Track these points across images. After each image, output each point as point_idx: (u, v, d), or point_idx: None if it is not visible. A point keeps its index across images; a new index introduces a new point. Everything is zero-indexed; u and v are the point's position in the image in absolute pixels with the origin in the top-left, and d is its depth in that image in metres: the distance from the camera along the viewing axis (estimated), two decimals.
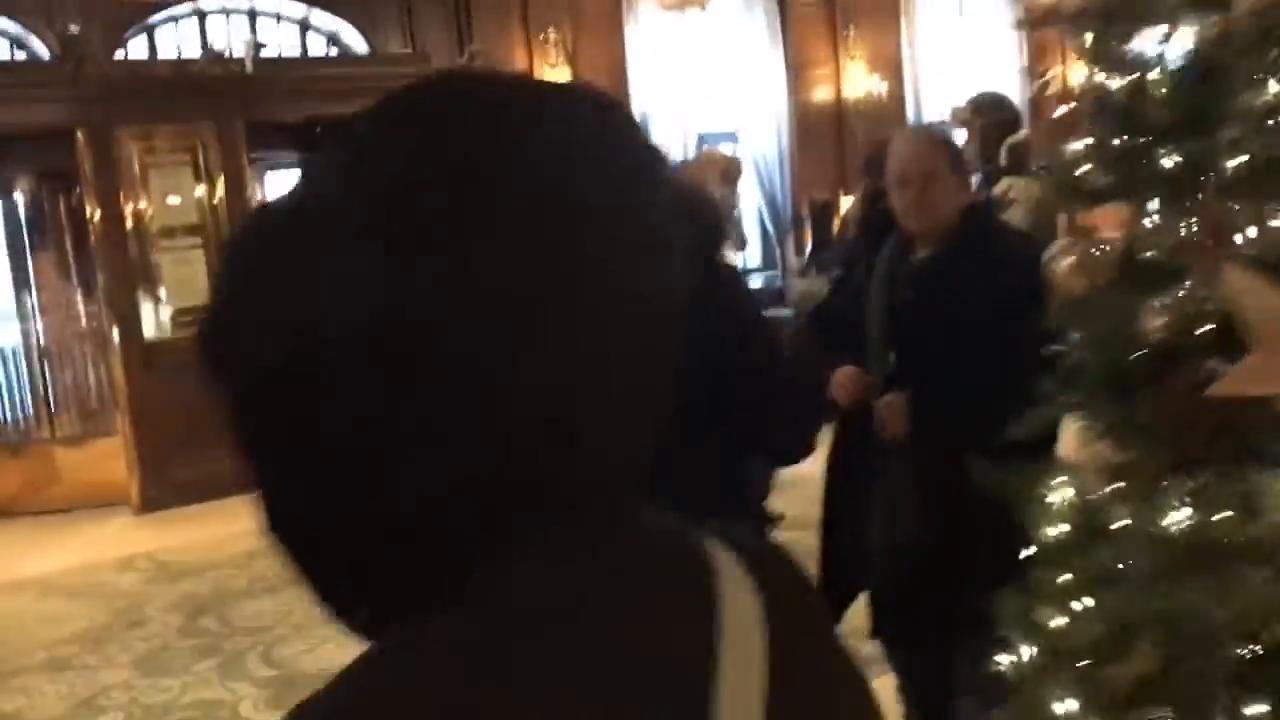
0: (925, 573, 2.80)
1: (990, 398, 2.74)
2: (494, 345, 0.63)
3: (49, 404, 8.15)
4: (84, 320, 8.05)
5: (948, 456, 2.75)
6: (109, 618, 5.49)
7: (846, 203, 9.50)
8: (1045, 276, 2.88)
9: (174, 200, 7.50)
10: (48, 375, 8.15)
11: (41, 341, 8.17)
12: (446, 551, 0.65)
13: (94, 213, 7.35)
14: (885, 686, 3.28)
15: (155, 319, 7.50)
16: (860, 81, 12.01)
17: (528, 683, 0.62)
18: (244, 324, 0.68)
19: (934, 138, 2.93)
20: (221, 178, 7.58)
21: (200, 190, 7.54)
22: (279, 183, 9.20)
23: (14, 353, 8.16)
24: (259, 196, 8.03)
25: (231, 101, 7.59)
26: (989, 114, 4.87)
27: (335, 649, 4.75)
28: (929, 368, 2.72)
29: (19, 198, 8.28)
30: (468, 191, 0.63)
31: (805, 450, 2.85)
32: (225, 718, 4.27)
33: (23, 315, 8.19)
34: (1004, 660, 1.68)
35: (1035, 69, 13.38)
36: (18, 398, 8.12)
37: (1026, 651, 1.68)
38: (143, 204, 7.39)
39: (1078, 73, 13.65)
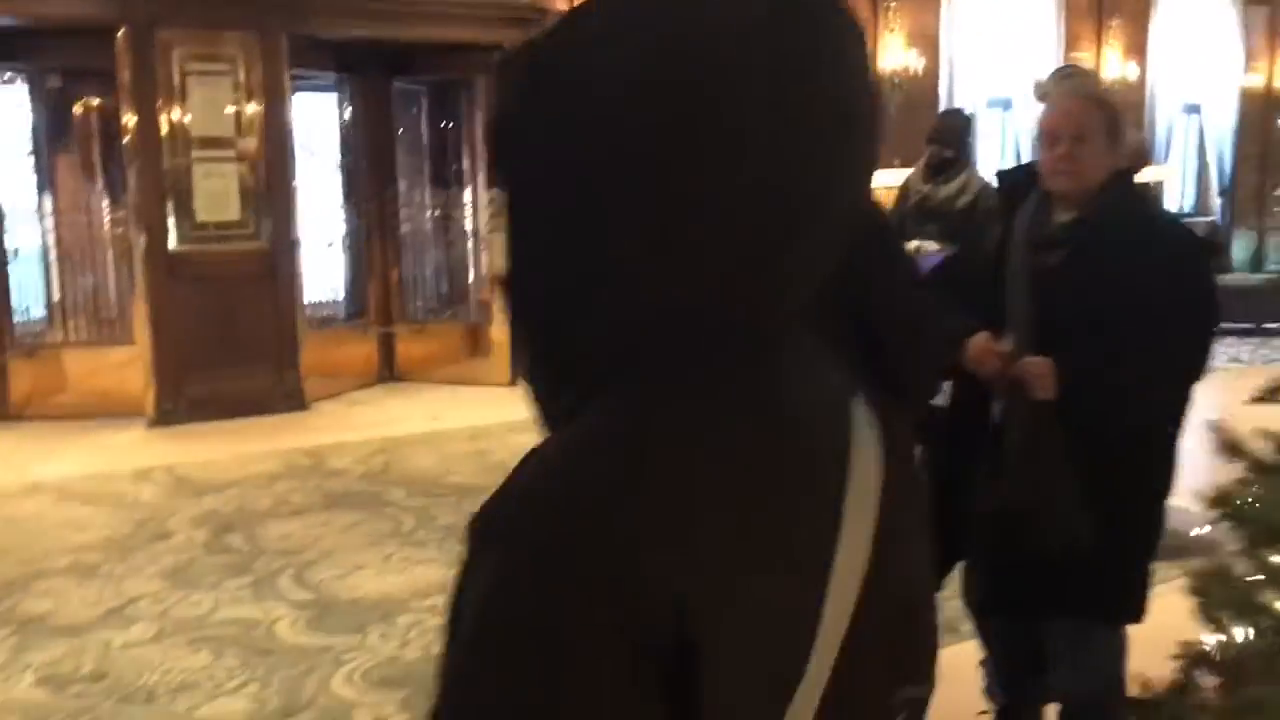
0: (1040, 543, 2.72)
1: (1139, 374, 2.66)
2: (737, 181, 0.75)
3: (63, 309, 7.99)
4: (107, 226, 7.87)
5: (1087, 429, 2.67)
6: (131, 528, 5.37)
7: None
8: (1199, 251, 2.80)
9: (210, 111, 7.31)
10: (64, 280, 7.98)
11: (61, 245, 7.99)
12: (661, 348, 0.77)
13: (129, 117, 7.16)
14: (964, 652, 3.21)
15: (182, 230, 7.32)
16: (897, 55, 11.86)
17: (707, 447, 0.75)
18: (539, 116, 0.78)
19: (1091, 95, 2.81)
20: (261, 91, 7.39)
21: (238, 103, 7.35)
22: (309, 103, 9.01)
23: (32, 255, 7.97)
24: (294, 115, 7.85)
25: (277, 13, 7.39)
26: None
27: (370, 576, 4.68)
28: (1075, 336, 2.62)
29: (47, 97, 8.08)
30: (723, 57, 0.74)
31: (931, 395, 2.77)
32: (262, 637, 4.16)
33: (43, 218, 8.01)
34: (1210, 640, 1.58)
35: (1069, 54, 13.27)
36: (33, 301, 7.94)
37: (1241, 632, 1.59)
38: (179, 112, 7.20)
39: (1111, 62, 13.50)
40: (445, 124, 9.05)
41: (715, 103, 0.74)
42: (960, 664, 3.24)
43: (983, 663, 3.17)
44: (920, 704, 0.90)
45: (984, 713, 3.18)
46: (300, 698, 3.70)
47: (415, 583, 4.63)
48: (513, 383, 8.51)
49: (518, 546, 0.72)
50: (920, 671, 0.90)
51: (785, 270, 0.79)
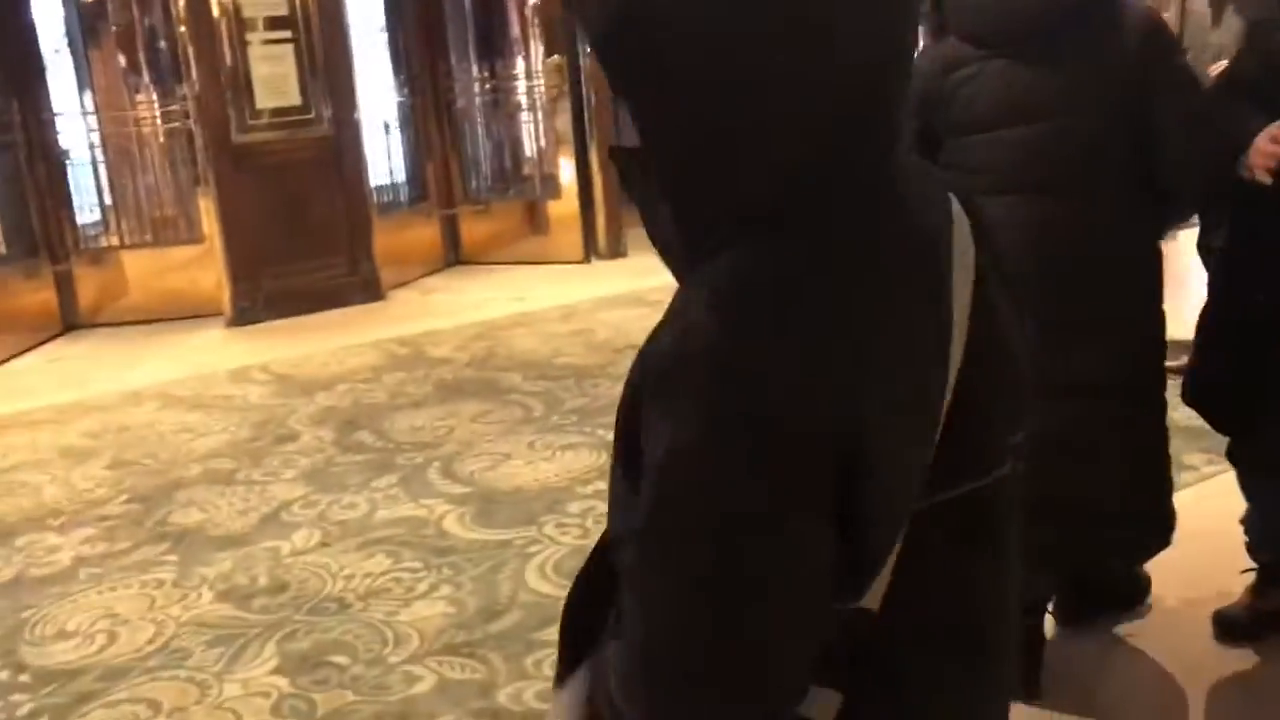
0: None
1: None
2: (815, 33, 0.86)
3: (117, 211, 7.67)
4: (159, 120, 7.52)
5: None
6: (250, 431, 5.18)
7: None
8: None
9: None
10: (117, 180, 7.65)
11: (108, 144, 7.63)
12: (791, 193, 0.89)
13: (180, 1, 6.79)
14: (1226, 507, 3.06)
15: (242, 120, 7.00)
16: None
17: (845, 263, 0.89)
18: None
19: None
20: None
21: None
22: None
23: (86, 156, 7.60)
24: None
25: None
26: None
27: (521, 465, 4.50)
28: None
29: None
30: None
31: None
32: (433, 535, 4.00)
33: (85, 116, 7.63)
34: None
35: None
36: (94, 204, 7.62)
37: None
38: None
39: None
40: None
41: None
42: (1216, 514, 3.09)
43: (1246, 518, 3.01)
44: (1022, 447, 1.04)
45: (1249, 570, 3.03)
46: (498, 595, 3.55)
47: (570, 469, 4.45)
48: (585, 259, 8.27)
49: (684, 405, 0.84)
50: (1023, 421, 1.05)
51: (899, 100, 0.93)
